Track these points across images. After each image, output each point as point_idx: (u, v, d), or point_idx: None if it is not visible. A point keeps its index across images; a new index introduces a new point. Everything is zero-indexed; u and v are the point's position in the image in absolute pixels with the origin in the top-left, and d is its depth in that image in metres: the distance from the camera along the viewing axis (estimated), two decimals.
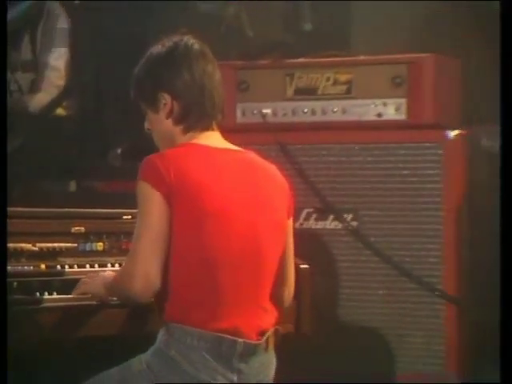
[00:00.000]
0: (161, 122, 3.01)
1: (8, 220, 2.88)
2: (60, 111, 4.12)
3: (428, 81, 3.95)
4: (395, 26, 4.84)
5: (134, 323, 3.07)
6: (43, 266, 3.10)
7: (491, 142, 4.14)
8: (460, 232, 3.86)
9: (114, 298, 2.99)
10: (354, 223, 3.92)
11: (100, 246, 3.26)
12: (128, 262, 2.90)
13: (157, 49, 3.04)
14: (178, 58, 3.01)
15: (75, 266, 3.14)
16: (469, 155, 3.95)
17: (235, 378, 2.90)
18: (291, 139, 4.00)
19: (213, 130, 3.01)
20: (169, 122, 2.99)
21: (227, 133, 3.09)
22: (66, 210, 3.27)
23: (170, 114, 2.98)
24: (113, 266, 3.18)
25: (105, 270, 3.12)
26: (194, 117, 2.99)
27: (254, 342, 2.93)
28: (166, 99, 2.98)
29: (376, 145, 3.95)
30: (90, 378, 2.95)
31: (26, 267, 3.07)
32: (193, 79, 2.99)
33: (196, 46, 3.03)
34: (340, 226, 3.94)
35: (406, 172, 3.90)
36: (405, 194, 3.90)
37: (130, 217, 3.18)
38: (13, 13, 3.96)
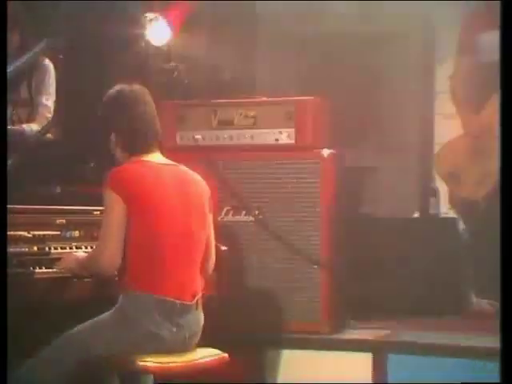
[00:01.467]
0: (116, 150, 2.99)
1: (10, 215, 2.82)
2: (49, 136, 4.05)
3: (309, 116, 3.94)
4: (287, 76, 4.84)
5: (102, 290, 3.01)
6: (35, 248, 3.02)
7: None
8: (332, 222, 3.87)
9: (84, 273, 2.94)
10: (260, 217, 3.89)
11: (77, 233, 3.17)
12: (97, 246, 2.88)
13: (108, 94, 2.99)
14: (115, 105, 2.99)
15: (59, 248, 3.07)
16: (337, 168, 3.93)
17: (174, 329, 2.87)
18: (215, 157, 3.95)
19: (153, 151, 2.97)
20: (118, 150, 2.97)
21: (170, 152, 3.09)
22: (53, 207, 3.19)
23: (117, 145, 2.96)
24: (86, 248, 3.10)
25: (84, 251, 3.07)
26: (134, 147, 2.96)
27: (188, 303, 2.90)
28: (112, 137, 2.96)
29: (274, 161, 3.92)
30: (70, 330, 2.90)
31: (22, 249, 2.98)
32: (132, 119, 2.97)
33: (129, 93, 2.99)
34: (250, 218, 3.90)
35: (294, 180, 3.88)
36: (294, 196, 3.87)
37: (99, 212, 3.12)
38: (15, 64, 3.88)
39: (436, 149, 4.79)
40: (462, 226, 4.56)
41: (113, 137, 2.95)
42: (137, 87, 2.98)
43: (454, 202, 4.43)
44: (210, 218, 3.05)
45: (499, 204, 4.21)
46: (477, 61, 4.32)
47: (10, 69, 3.74)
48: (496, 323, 4.10)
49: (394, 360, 3.57)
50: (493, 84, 4.23)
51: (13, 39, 3.92)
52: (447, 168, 4.32)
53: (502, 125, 2.68)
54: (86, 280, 2.98)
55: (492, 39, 4.23)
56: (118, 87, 2.98)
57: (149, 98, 2.99)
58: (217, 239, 3.09)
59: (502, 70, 2.72)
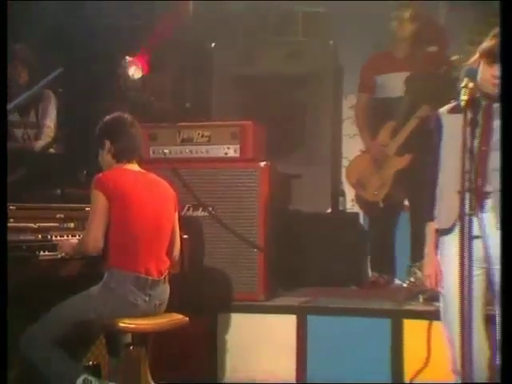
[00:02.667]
0: (105, 156, 2.97)
1: (21, 210, 2.81)
2: (51, 150, 4.00)
3: (250, 136, 3.88)
4: (234, 106, 4.83)
5: (91, 268, 2.98)
6: (40, 236, 2.98)
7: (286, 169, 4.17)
8: (267, 216, 3.86)
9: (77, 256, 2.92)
10: (213, 212, 3.87)
11: (72, 225, 3.13)
12: (84, 233, 2.87)
13: (106, 118, 3.01)
14: (116, 123, 2.99)
15: (58, 236, 3.03)
16: (271, 175, 3.92)
17: (147, 299, 2.86)
18: (179, 167, 3.90)
19: (133, 162, 2.98)
20: (109, 156, 2.95)
21: (145, 163, 3.07)
22: (54, 205, 3.15)
23: (109, 152, 2.94)
24: (79, 236, 3.05)
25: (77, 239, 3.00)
26: (122, 155, 2.96)
27: (157, 278, 2.89)
28: (107, 143, 2.93)
29: (224, 170, 3.88)
30: (62, 302, 2.85)
31: (30, 237, 2.94)
32: (124, 135, 2.97)
33: (128, 119, 3.01)
34: (205, 214, 3.87)
35: (239, 185, 3.85)
36: (238, 197, 3.84)
37: (89, 209, 3.07)
38: (24, 95, 3.82)
39: (343, 161, 4.87)
40: (362, 219, 4.66)
41: (108, 145, 2.96)
42: (129, 116, 3.03)
43: (359, 203, 4.52)
44: (175, 214, 3.06)
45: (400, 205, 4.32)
46: (373, 96, 4.41)
47: (21, 99, 3.71)
48: (386, 290, 4.20)
49: (312, 320, 3.61)
50: (385, 115, 4.33)
51: (22, 75, 3.87)
52: (355, 177, 4.40)
53: (502, 125, 2.18)
54: (78, 261, 2.94)
55: (386, 80, 4.32)
56: (117, 113, 3.02)
57: (136, 123, 3.04)
58: (180, 230, 3.08)
59: (502, 70, 2.16)
